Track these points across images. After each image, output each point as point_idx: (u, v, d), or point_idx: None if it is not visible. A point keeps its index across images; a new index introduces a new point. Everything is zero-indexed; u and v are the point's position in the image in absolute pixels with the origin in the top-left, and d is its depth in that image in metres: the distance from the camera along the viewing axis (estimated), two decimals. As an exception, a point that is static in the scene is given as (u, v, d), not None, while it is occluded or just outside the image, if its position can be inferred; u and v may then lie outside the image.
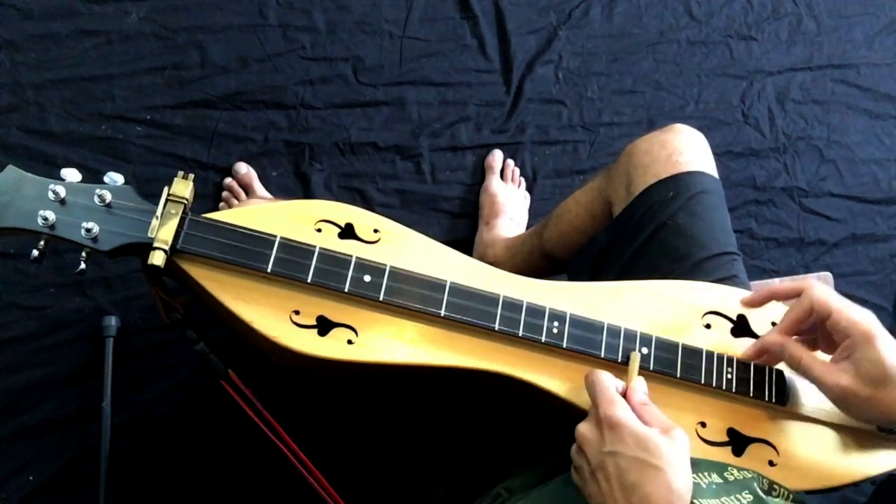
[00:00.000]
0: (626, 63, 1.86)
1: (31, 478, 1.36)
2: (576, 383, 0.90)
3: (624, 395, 0.80)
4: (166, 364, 1.45)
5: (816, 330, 0.92)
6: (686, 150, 1.11)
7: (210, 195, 1.56)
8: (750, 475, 0.82)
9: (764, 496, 0.79)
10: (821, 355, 0.91)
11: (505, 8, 1.79)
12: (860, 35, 2.03)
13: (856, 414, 0.87)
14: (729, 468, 0.83)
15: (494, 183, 1.67)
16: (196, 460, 1.42)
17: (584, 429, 0.77)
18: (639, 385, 0.83)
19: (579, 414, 0.90)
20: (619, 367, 0.92)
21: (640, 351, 0.92)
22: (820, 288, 0.89)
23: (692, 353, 0.94)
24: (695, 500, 0.75)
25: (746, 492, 0.79)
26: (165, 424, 1.43)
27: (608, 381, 0.80)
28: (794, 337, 0.93)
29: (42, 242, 0.80)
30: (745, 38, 1.95)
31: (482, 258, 1.56)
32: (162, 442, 1.41)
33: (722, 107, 1.89)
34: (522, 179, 1.72)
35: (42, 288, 1.43)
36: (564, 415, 0.93)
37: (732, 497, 0.78)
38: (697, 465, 0.82)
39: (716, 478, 0.81)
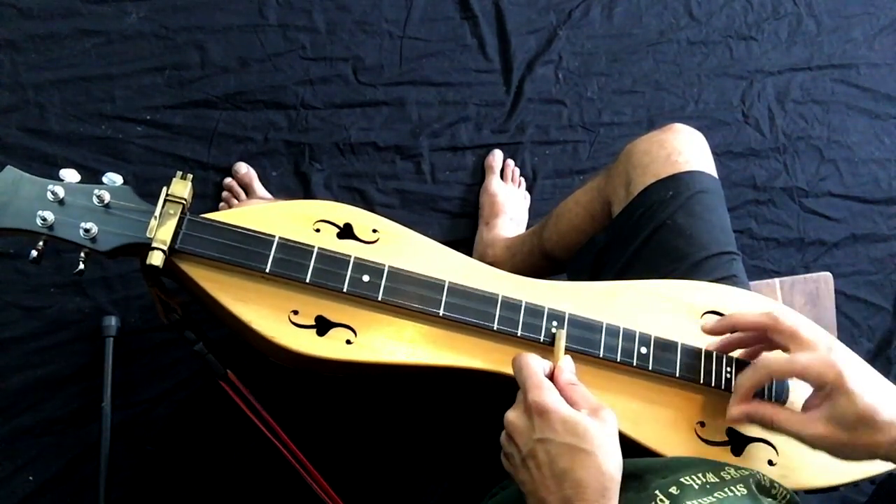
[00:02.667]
0: (626, 63, 1.86)
1: (31, 478, 1.36)
2: (575, 383, 0.90)
3: (552, 375, 0.79)
4: (166, 364, 1.45)
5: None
6: (685, 149, 1.11)
7: (210, 195, 1.56)
8: (747, 472, 0.82)
9: (759, 494, 0.79)
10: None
11: (505, 8, 1.79)
12: (860, 35, 2.03)
13: (840, 456, 0.84)
14: (726, 467, 0.83)
15: (494, 183, 1.67)
16: (196, 460, 1.42)
17: (513, 416, 0.76)
18: (566, 364, 0.81)
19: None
20: (619, 366, 0.92)
21: (639, 350, 0.92)
22: (775, 355, 0.87)
23: (691, 353, 0.94)
24: (687, 502, 0.75)
25: (741, 485, 0.79)
26: (165, 424, 1.43)
27: (535, 365, 0.77)
28: (758, 346, 0.93)
29: (41, 243, 0.80)
30: (745, 38, 1.95)
31: (482, 258, 1.56)
32: (162, 442, 1.41)
33: (722, 107, 1.89)
34: (522, 179, 1.72)
35: (42, 288, 1.43)
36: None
37: (727, 489, 0.78)
38: (692, 465, 0.82)
39: (711, 477, 0.80)
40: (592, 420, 0.73)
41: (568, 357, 0.83)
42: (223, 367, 0.98)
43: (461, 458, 1.24)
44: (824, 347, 0.83)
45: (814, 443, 0.83)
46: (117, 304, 1.45)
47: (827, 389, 0.81)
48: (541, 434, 0.72)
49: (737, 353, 0.96)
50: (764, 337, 0.90)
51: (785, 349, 0.86)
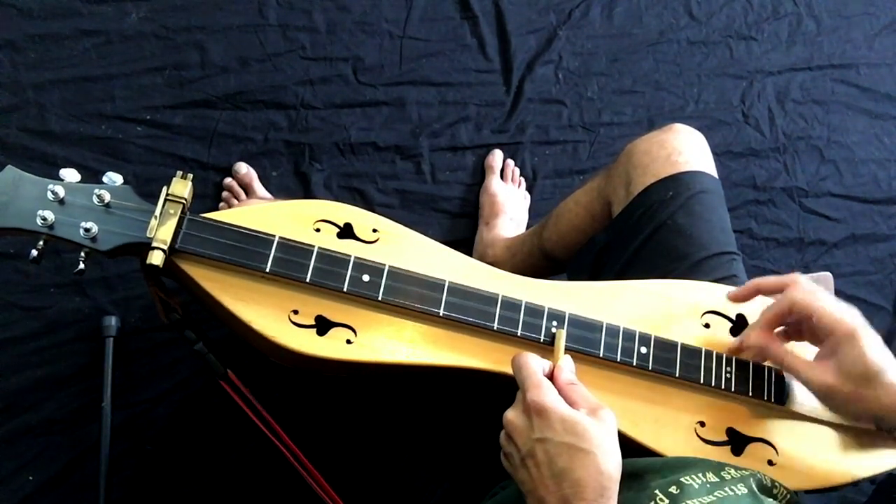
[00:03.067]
0: (626, 63, 1.86)
1: (31, 478, 1.36)
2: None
3: (552, 375, 0.79)
4: (166, 364, 1.45)
5: (801, 322, 0.92)
6: (685, 149, 1.11)
7: (210, 195, 1.56)
8: (748, 472, 0.82)
9: (759, 493, 0.79)
10: (807, 347, 0.92)
11: (505, 8, 1.79)
12: (860, 35, 2.03)
13: (840, 411, 0.88)
14: (727, 467, 0.83)
15: (494, 183, 1.67)
16: (196, 460, 1.42)
17: (512, 416, 0.76)
18: (565, 364, 0.81)
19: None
20: (618, 365, 0.92)
21: (639, 350, 0.92)
22: (803, 286, 0.89)
23: (691, 353, 0.94)
24: (685, 502, 0.75)
25: (741, 485, 0.79)
26: (165, 424, 1.43)
27: (534, 365, 0.78)
28: (780, 328, 0.93)
29: (41, 243, 0.80)
30: (745, 38, 1.95)
31: (482, 258, 1.56)
32: (162, 442, 1.41)
33: (722, 107, 1.89)
34: (522, 179, 1.72)
35: (42, 288, 1.43)
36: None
37: (727, 488, 0.78)
38: (692, 465, 0.82)
39: (711, 477, 0.80)
40: (591, 420, 0.73)
41: (568, 357, 0.83)
42: (223, 367, 0.98)
43: (461, 458, 1.24)
44: (846, 306, 0.87)
45: (818, 390, 0.86)
46: (117, 304, 1.45)
47: (839, 338, 0.84)
48: (540, 433, 0.73)
49: (731, 350, 0.96)
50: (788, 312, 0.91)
51: (803, 312, 0.88)
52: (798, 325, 0.92)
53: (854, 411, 0.86)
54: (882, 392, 0.83)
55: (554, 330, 0.90)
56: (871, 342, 0.84)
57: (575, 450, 0.71)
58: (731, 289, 1.02)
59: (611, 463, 0.72)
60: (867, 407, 0.84)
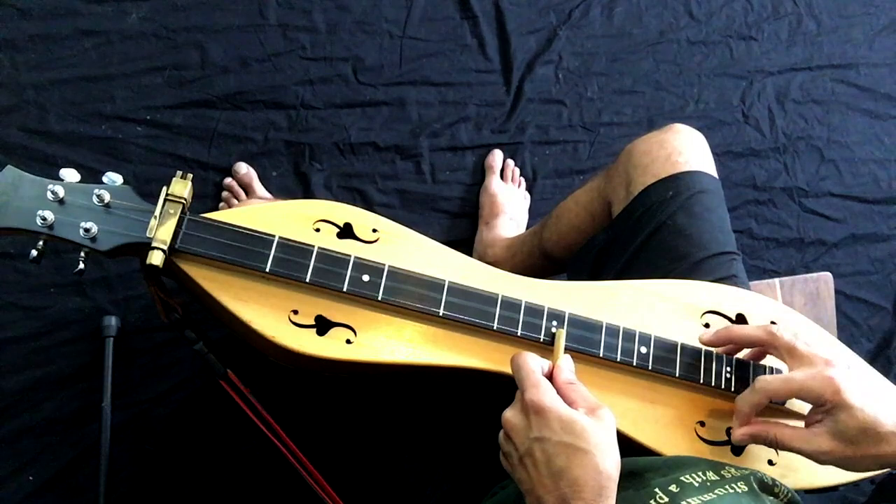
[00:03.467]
0: (626, 63, 1.86)
1: (31, 478, 1.36)
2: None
3: (551, 375, 0.79)
4: (166, 364, 1.45)
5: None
6: (685, 149, 1.11)
7: (210, 195, 1.56)
8: (748, 471, 0.82)
9: (759, 492, 0.79)
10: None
11: (505, 8, 1.79)
12: (860, 35, 2.03)
13: (851, 469, 0.84)
14: (727, 466, 0.83)
15: (494, 183, 1.67)
16: (196, 460, 1.42)
17: (511, 415, 0.76)
18: (565, 364, 0.81)
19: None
20: (618, 365, 0.92)
21: (639, 350, 0.92)
22: (772, 376, 0.86)
23: (691, 353, 0.94)
24: (686, 501, 0.75)
25: (742, 483, 0.79)
26: (165, 424, 1.43)
27: (533, 364, 0.77)
28: (750, 350, 0.94)
29: (41, 243, 0.80)
30: (745, 38, 1.95)
31: (482, 258, 1.56)
32: (162, 442, 1.41)
33: (722, 107, 1.89)
34: (522, 179, 1.72)
35: (42, 288, 1.43)
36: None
37: (727, 486, 0.78)
38: (693, 464, 0.82)
39: (711, 475, 0.80)
40: (590, 419, 0.73)
41: (567, 356, 0.83)
42: (223, 367, 0.98)
43: (461, 459, 1.24)
44: (821, 363, 0.83)
45: (820, 458, 0.83)
46: (117, 304, 1.45)
47: (827, 406, 0.81)
48: (538, 433, 0.73)
49: (742, 354, 0.96)
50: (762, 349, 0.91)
51: (784, 395, 0.86)
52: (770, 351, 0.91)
53: (863, 467, 0.83)
54: (884, 444, 0.80)
55: (554, 330, 0.90)
56: (858, 396, 0.80)
57: (573, 449, 0.71)
58: (733, 289, 1.02)
59: (609, 462, 0.72)
60: (874, 461, 0.81)
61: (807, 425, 0.85)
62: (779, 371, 0.96)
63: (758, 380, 0.86)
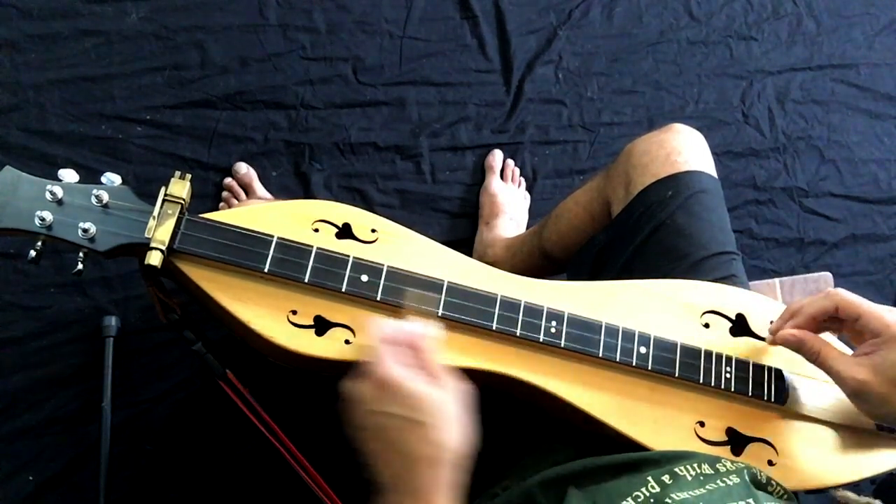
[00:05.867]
0: (626, 63, 1.86)
1: (30, 478, 1.36)
2: (574, 382, 0.90)
3: (406, 343, 0.77)
4: (166, 364, 1.45)
5: (829, 326, 0.92)
6: (684, 149, 1.11)
7: (210, 195, 1.56)
8: (743, 465, 0.82)
9: (752, 486, 0.79)
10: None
11: (505, 8, 1.79)
12: (860, 35, 2.03)
13: (867, 408, 0.86)
14: (722, 460, 0.82)
15: (494, 183, 1.67)
16: (195, 460, 1.42)
17: (352, 386, 0.74)
18: (416, 329, 0.78)
19: (577, 413, 0.90)
20: (617, 365, 0.91)
21: (638, 350, 0.92)
22: (843, 292, 0.88)
23: (690, 353, 0.93)
24: (673, 495, 0.74)
25: (735, 476, 0.79)
26: (165, 424, 1.43)
27: (383, 333, 0.75)
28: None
29: (39, 243, 0.80)
30: (745, 38, 1.95)
31: (482, 258, 1.56)
32: (162, 442, 1.42)
33: (722, 107, 1.89)
34: (522, 179, 1.72)
35: (42, 288, 1.43)
36: (562, 413, 0.93)
37: (720, 480, 0.78)
38: (689, 457, 0.82)
39: (706, 469, 0.80)
40: (431, 390, 0.71)
41: (423, 323, 0.81)
42: (222, 367, 0.98)
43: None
44: (889, 309, 0.86)
45: (849, 386, 0.85)
46: (117, 304, 1.45)
47: (884, 338, 0.83)
48: (376, 405, 0.71)
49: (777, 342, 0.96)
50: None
51: (850, 314, 0.87)
52: (825, 328, 0.92)
53: (883, 412, 0.85)
54: None
55: (553, 329, 0.90)
56: None
57: (409, 421, 0.70)
58: (732, 289, 1.02)
59: (446, 434, 0.70)
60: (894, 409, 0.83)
61: (853, 356, 0.87)
62: (779, 372, 0.96)
63: (831, 290, 0.89)
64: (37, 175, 0.81)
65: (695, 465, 0.80)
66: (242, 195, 1.53)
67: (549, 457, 0.96)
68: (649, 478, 0.77)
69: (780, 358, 0.97)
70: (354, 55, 1.69)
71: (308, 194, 1.61)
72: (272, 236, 0.85)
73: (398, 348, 0.75)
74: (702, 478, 0.78)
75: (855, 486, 0.99)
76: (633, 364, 0.91)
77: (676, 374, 0.92)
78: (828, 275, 1.35)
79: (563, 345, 0.89)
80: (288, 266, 0.84)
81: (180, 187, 0.84)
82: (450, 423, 0.71)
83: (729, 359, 0.95)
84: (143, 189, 0.85)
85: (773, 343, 0.95)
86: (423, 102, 1.71)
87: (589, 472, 0.82)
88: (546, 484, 0.82)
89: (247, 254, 0.84)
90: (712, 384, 0.93)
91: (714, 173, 1.13)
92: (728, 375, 0.94)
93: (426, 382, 0.72)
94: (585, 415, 0.90)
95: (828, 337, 0.93)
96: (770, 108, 1.91)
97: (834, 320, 0.90)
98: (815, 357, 0.88)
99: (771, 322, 0.96)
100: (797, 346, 0.90)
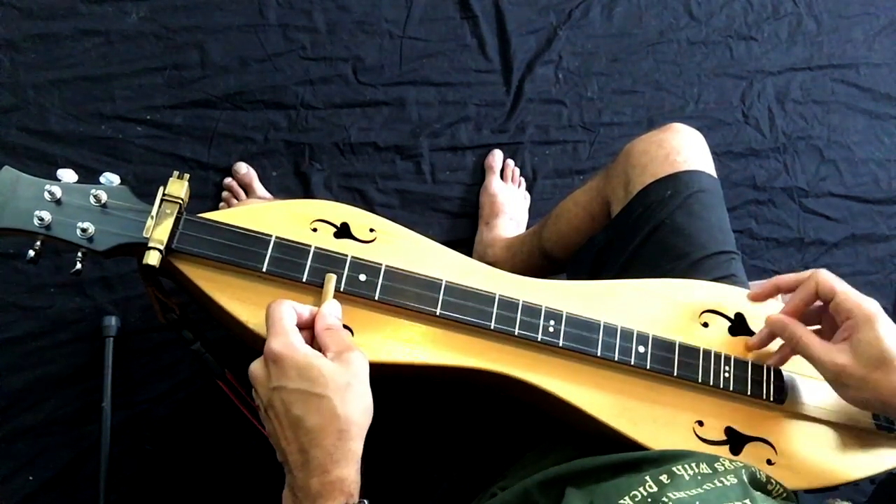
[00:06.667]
0: (626, 63, 1.86)
1: (31, 478, 1.36)
2: (572, 382, 0.90)
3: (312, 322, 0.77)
4: (166, 364, 1.45)
5: (820, 319, 0.94)
6: (684, 149, 1.11)
7: (210, 195, 1.56)
8: (741, 465, 0.82)
9: (749, 486, 0.79)
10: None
11: (505, 8, 1.79)
12: (860, 35, 2.03)
13: (848, 395, 0.87)
14: (721, 459, 0.82)
15: (494, 183, 1.67)
16: (195, 460, 1.42)
17: (254, 366, 0.73)
18: (328, 309, 0.78)
19: (576, 412, 0.90)
20: (616, 364, 0.91)
21: (636, 349, 0.92)
22: (826, 272, 0.91)
23: (689, 352, 0.93)
24: (671, 493, 0.74)
25: (732, 476, 0.79)
26: (165, 424, 1.43)
27: (283, 312, 0.75)
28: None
29: (38, 243, 0.80)
30: (745, 38, 1.95)
31: (482, 258, 1.56)
32: (162, 442, 1.41)
33: (722, 107, 1.89)
34: (522, 179, 1.72)
35: (42, 288, 1.43)
36: (561, 413, 0.93)
37: (717, 480, 0.78)
38: (687, 457, 0.82)
39: (704, 468, 0.80)
40: (330, 363, 0.71)
41: (334, 301, 0.81)
42: (221, 367, 0.98)
43: (459, 459, 1.24)
44: (866, 296, 0.88)
45: (829, 372, 0.87)
46: (117, 304, 1.45)
47: (858, 320, 0.85)
48: (277, 382, 0.71)
49: (760, 339, 0.96)
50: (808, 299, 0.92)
51: (827, 293, 0.90)
52: (815, 321, 0.94)
53: (863, 397, 0.86)
54: (894, 377, 0.83)
55: (552, 329, 0.89)
56: (888, 328, 0.85)
57: (308, 395, 0.69)
58: (732, 288, 1.02)
59: (350, 405, 0.70)
60: (878, 392, 0.84)
61: (832, 342, 0.89)
62: (778, 371, 0.96)
63: (815, 270, 0.91)
64: (36, 175, 0.81)
65: (693, 465, 0.80)
66: (242, 195, 1.53)
67: (548, 456, 0.96)
68: (647, 477, 0.77)
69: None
70: (354, 55, 1.69)
71: (308, 194, 1.61)
72: (270, 236, 0.85)
73: (295, 326, 0.75)
74: (699, 477, 0.78)
75: (855, 486, 0.98)
76: (632, 363, 0.91)
77: (675, 374, 0.92)
78: (828, 274, 1.35)
79: (561, 344, 0.89)
80: (286, 266, 0.84)
81: (178, 187, 0.84)
82: (351, 395, 0.71)
83: (728, 358, 0.95)
84: (143, 189, 0.85)
85: (763, 333, 0.96)
86: (423, 102, 1.71)
87: (587, 472, 0.82)
88: (545, 483, 0.82)
89: (245, 253, 0.84)
90: (711, 383, 0.93)
91: (714, 173, 1.13)
92: (727, 375, 0.94)
93: (332, 357, 0.73)
94: (584, 414, 0.90)
95: None
96: (770, 108, 1.91)
97: (812, 318, 0.93)
98: (795, 342, 0.90)
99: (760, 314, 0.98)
100: (780, 330, 0.92)
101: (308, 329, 0.77)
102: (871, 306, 0.86)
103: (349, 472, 0.70)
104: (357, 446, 0.71)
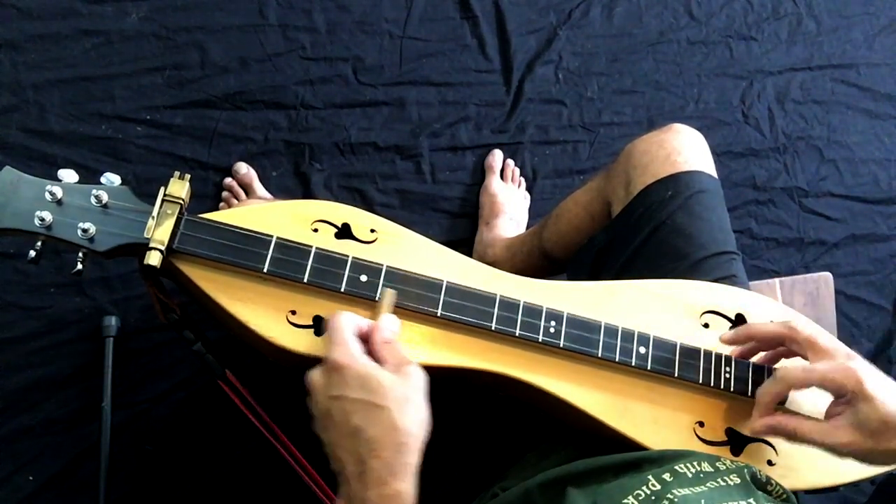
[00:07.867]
0: (626, 63, 1.86)
1: (31, 478, 1.36)
2: (573, 382, 0.90)
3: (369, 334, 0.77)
4: (166, 364, 1.45)
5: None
6: (684, 149, 1.11)
7: (210, 195, 1.56)
8: (743, 464, 0.82)
9: (752, 486, 0.79)
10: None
11: (505, 8, 1.79)
12: (860, 35, 2.03)
13: (871, 463, 0.84)
14: (722, 459, 0.82)
15: (494, 183, 1.67)
16: (195, 460, 1.42)
17: (313, 374, 0.73)
18: (384, 323, 0.78)
19: (576, 413, 0.90)
20: (616, 365, 0.91)
21: (637, 350, 0.92)
22: (795, 364, 0.86)
23: (690, 353, 0.93)
24: (675, 491, 0.74)
25: (735, 475, 0.79)
26: (165, 424, 1.43)
27: (344, 323, 0.75)
28: (779, 349, 0.93)
29: (39, 243, 0.80)
30: (745, 38, 1.95)
31: (482, 258, 1.56)
32: (162, 442, 1.42)
33: (722, 107, 1.89)
34: (522, 179, 1.72)
35: (42, 288, 1.43)
36: (561, 414, 0.93)
37: (719, 480, 0.77)
38: (689, 456, 0.82)
39: (706, 467, 0.80)
40: (390, 375, 0.71)
41: (391, 316, 0.81)
42: (222, 367, 0.98)
43: (460, 459, 1.24)
44: (843, 355, 0.83)
45: (840, 451, 0.82)
46: (117, 304, 1.46)
47: (848, 396, 0.81)
48: (337, 391, 0.71)
49: (756, 358, 0.96)
50: (781, 345, 0.91)
51: (804, 357, 0.86)
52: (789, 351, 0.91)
53: (881, 460, 0.83)
54: None
55: (552, 329, 0.89)
56: (879, 388, 0.80)
57: (369, 406, 0.69)
58: (732, 289, 1.02)
59: (408, 418, 0.70)
60: (890, 457, 0.82)
61: (827, 418, 0.85)
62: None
63: (779, 369, 0.87)
64: (37, 175, 0.81)
65: (695, 463, 0.80)
66: (242, 195, 1.53)
67: (549, 457, 0.96)
68: (650, 476, 0.77)
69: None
70: (354, 55, 1.69)
71: (308, 194, 1.61)
72: (271, 236, 0.85)
73: (356, 338, 0.75)
74: (702, 475, 0.78)
75: (855, 486, 0.99)
76: (633, 364, 0.91)
77: (676, 375, 0.92)
78: (828, 275, 1.35)
79: (562, 345, 0.89)
80: (287, 266, 0.84)
81: (179, 187, 0.84)
82: (410, 408, 0.71)
83: (728, 359, 0.95)
84: (143, 189, 0.85)
85: (726, 342, 0.93)
86: (423, 102, 1.71)
87: (589, 472, 0.82)
88: (545, 485, 0.82)
89: (246, 254, 0.84)
90: (712, 384, 0.93)
91: (714, 173, 1.13)
92: (728, 376, 0.94)
93: (390, 370, 0.72)
94: (584, 415, 0.90)
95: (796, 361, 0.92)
96: (770, 108, 1.91)
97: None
98: (792, 436, 0.86)
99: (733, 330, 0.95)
100: (772, 434, 0.88)
101: (365, 342, 0.77)
102: (855, 373, 0.80)
103: (407, 485, 0.69)
104: (414, 460, 0.70)
